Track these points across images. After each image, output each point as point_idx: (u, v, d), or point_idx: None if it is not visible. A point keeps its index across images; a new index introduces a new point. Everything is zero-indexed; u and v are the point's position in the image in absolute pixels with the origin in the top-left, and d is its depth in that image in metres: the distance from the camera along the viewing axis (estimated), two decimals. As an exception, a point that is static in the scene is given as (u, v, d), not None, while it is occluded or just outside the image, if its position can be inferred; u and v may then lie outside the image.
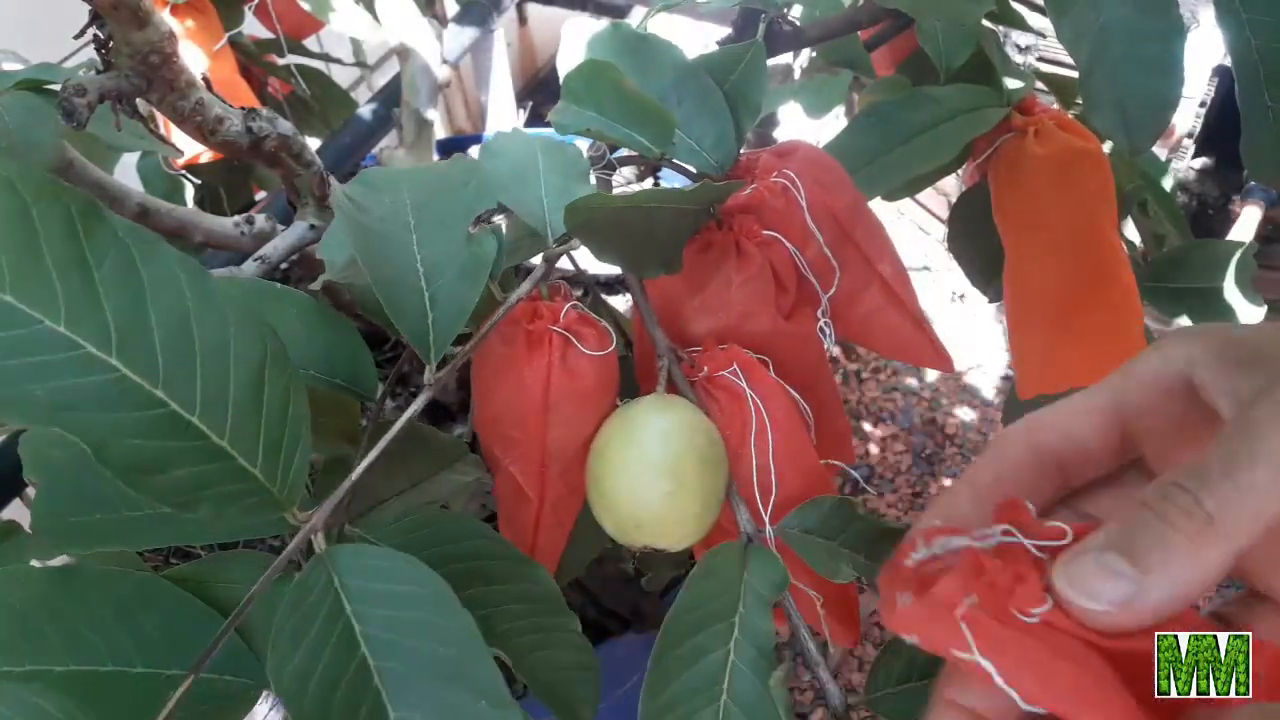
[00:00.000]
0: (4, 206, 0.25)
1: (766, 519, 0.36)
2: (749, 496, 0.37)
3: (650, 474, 0.34)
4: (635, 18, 1.49)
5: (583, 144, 0.44)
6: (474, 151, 1.13)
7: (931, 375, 1.73)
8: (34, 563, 0.37)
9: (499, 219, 0.40)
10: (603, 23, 0.46)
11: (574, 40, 0.43)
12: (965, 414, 1.66)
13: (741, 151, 0.44)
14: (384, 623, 0.27)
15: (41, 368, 0.25)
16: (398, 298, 0.33)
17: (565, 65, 0.45)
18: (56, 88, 0.47)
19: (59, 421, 0.25)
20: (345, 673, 0.26)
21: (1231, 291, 0.60)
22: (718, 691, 0.31)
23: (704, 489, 0.35)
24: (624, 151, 0.46)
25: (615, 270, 0.86)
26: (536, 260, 0.40)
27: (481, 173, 0.39)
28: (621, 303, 0.85)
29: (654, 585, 0.63)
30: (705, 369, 0.38)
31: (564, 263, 0.45)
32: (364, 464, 0.32)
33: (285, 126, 0.47)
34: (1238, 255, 0.60)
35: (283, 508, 0.29)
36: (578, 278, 0.49)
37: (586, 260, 0.45)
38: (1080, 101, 0.47)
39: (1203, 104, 1.33)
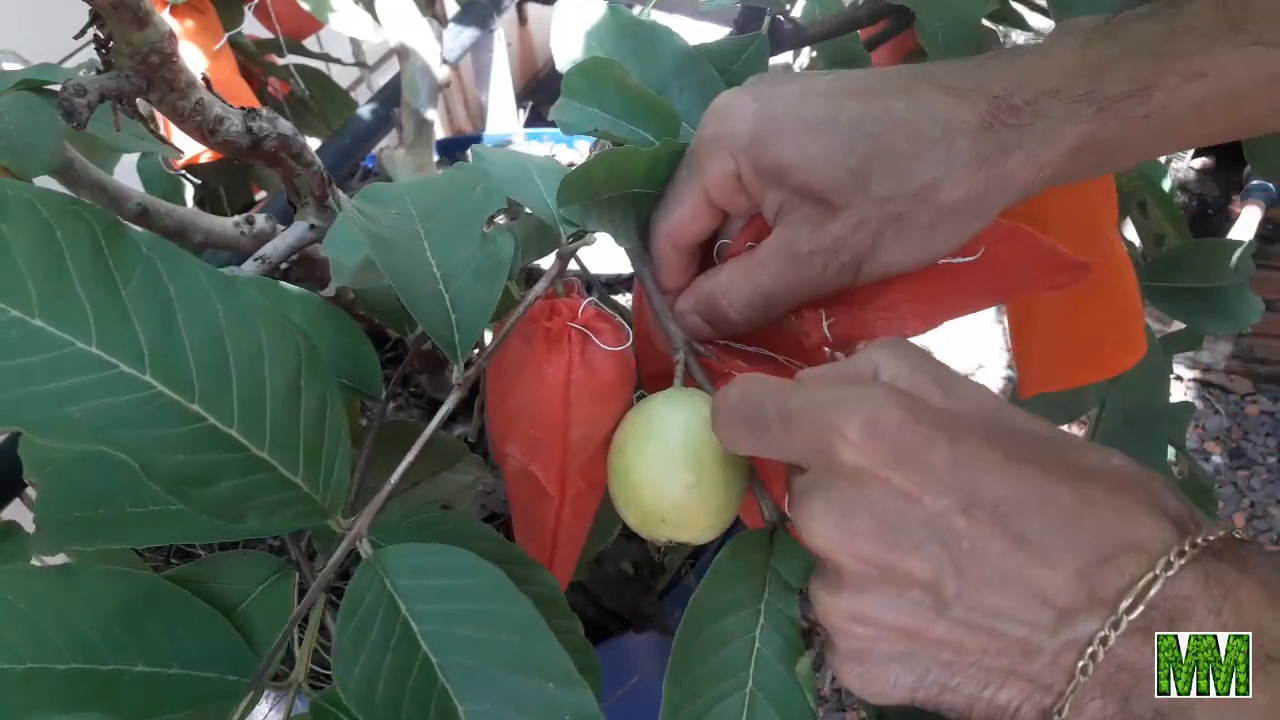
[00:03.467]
0: (28, 230, 0.25)
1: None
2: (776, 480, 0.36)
3: (672, 467, 0.34)
4: (636, 13, 1.49)
5: (584, 143, 0.44)
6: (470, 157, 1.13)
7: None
8: (35, 561, 0.37)
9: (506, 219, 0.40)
10: (600, 6, 0.45)
11: (569, 24, 0.43)
12: (965, 414, 1.66)
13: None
14: (441, 618, 0.27)
15: (77, 389, 0.25)
16: (420, 302, 0.33)
17: (559, 47, 0.44)
18: (56, 88, 0.47)
19: (100, 440, 0.25)
20: (410, 672, 0.26)
21: (1230, 291, 0.60)
22: (744, 679, 0.31)
23: (726, 480, 0.35)
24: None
25: (617, 270, 0.85)
26: (547, 262, 0.40)
27: (486, 176, 0.39)
28: (623, 302, 0.85)
29: (672, 565, 0.63)
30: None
31: (571, 264, 0.45)
32: (402, 467, 0.32)
33: (285, 126, 0.47)
34: (1237, 254, 0.60)
35: (326, 515, 0.30)
36: (586, 278, 0.49)
37: (591, 261, 0.45)
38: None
39: (1203, 104, 1.32)
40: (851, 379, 0.30)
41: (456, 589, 0.28)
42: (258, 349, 0.28)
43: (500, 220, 0.39)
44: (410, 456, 0.32)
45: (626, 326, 0.38)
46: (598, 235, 0.39)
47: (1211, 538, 0.25)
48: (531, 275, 0.42)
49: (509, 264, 0.35)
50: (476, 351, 0.35)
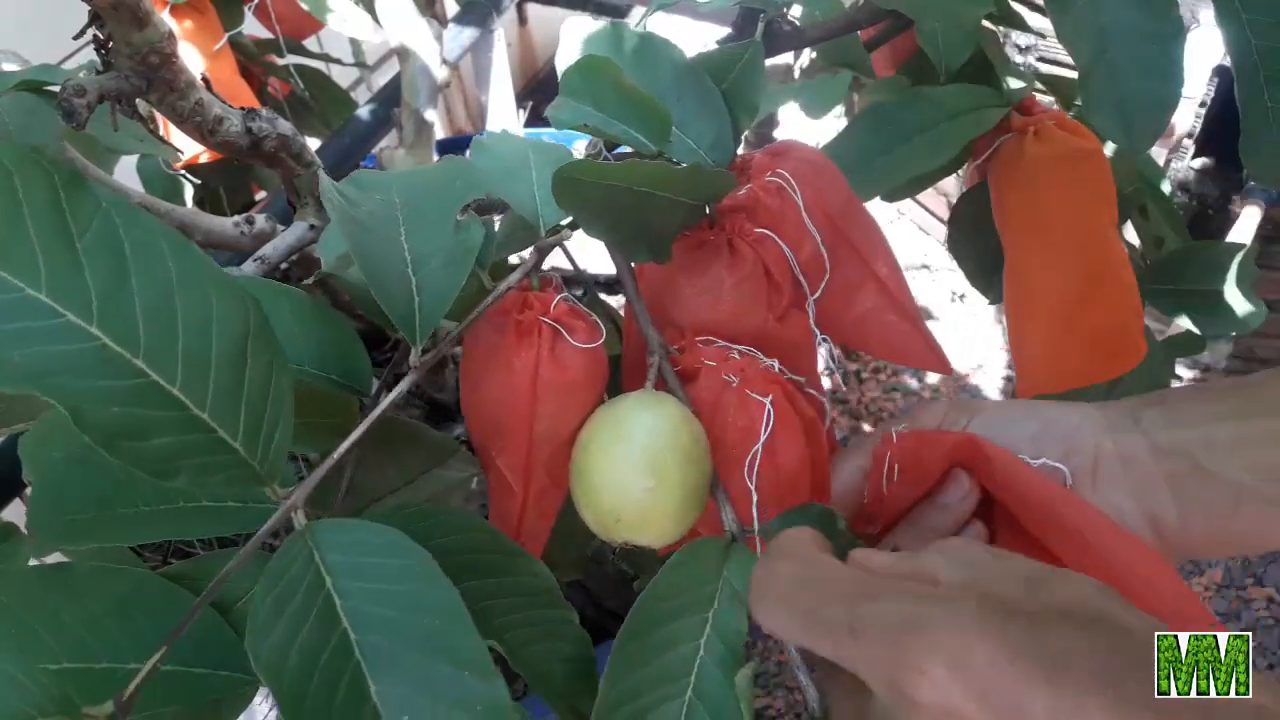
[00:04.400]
0: None
1: (755, 517, 0.36)
2: (739, 493, 0.37)
3: (633, 469, 0.34)
4: (635, 19, 1.49)
5: (580, 141, 0.44)
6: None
7: (932, 376, 1.73)
8: (30, 561, 0.37)
9: (496, 217, 0.40)
10: (602, 22, 0.46)
11: (573, 40, 0.44)
12: (965, 414, 1.66)
13: (738, 151, 0.44)
14: (366, 596, 0.27)
15: (21, 334, 0.25)
16: (386, 284, 0.33)
17: (564, 66, 0.45)
18: (56, 88, 0.47)
19: (37, 386, 0.25)
20: (325, 647, 0.26)
21: (1232, 293, 0.60)
22: (685, 685, 0.31)
23: (686, 486, 0.35)
24: (622, 149, 0.46)
25: (614, 270, 0.85)
26: (528, 253, 0.40)
27: (470, 170, 0.39)
28: (619, 303, 0.85)
29: (644, 587, 0.63)
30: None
31: (564, 262, 0.45)
32: (347, 442, 0.32)
33: (285, 126, 0.47)
34: (1239, 257, 0.60)
35: (263, 483, 0.29)
36: (577, 277, 0.49)
37: (586, 260, 0.45)
38: (1080, 102, 0.47)
39: (1203, 104, 1.32)
40: (927, 582, 0.27)
41: (385, 569, 0.28)
42: (207, 311, 0.28)
43: (494, 216, 0.39)
44: (356, 433, 0.32)
45: (601, 325, 0.38)
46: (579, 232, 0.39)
47: None
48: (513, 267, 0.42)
49: (477, 250, 0.35)
50: (443, 340, 0.35)
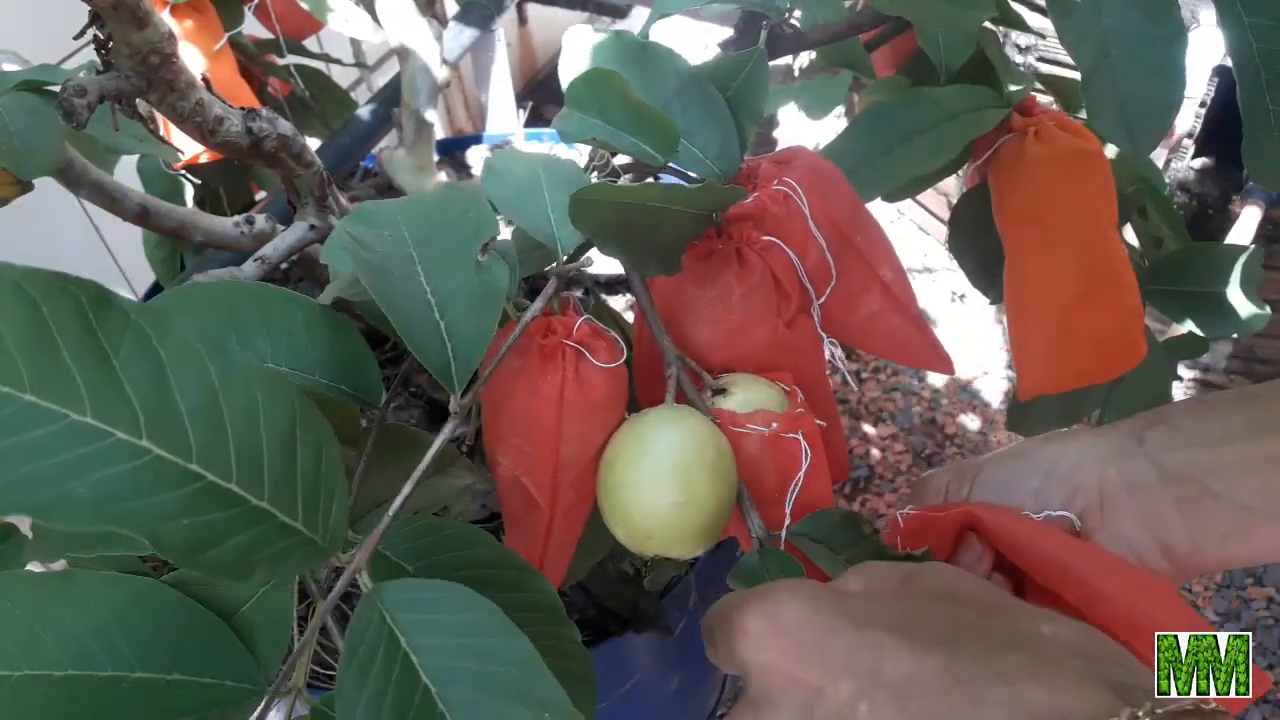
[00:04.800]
0: (14, 308, 0.24)
1: (787, 518, 0.37)
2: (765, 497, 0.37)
3: (660, 485, 0.34)
4: (635, 19, 1.49)
5: (585, 151, 0.44)
6: (473, 154, 1.13)
7: (932, 376, 1.73)
8: (35, 566, 0.37)
9: (505, 234, 0.40)
10: (604, 30, 0.46)
11: (575, 50, 0.44)
12: (965, 415, 1.66)
13: (744, 157, 0.44)
14: (441, 651, 0.27)
15: (76, 463, 0.25)
16: (416, 333, 0.33)
17: (567, 74, 0.45)
18: (56, 88, 0.47)
19: (109, 518, 0.25)
20: (411, 704, 0.26)
21: (1235, 295, 0.60)
22: None
23: (714, 499, 0.35)
24: (623, 159, 0.46)
25: (614, 270, 0.85)
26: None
27: (480, 200, 0.39)
28: (620, 303, 0.85)
29: (655, 585, 0.63)
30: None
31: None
32: (401, 497, 0.33)
33: (285, 126, 0.47)
34: (1243, 259, 0.60)
35: (328, 555, 0.30)
36: (577, 278, 0.49)
37: (586, 260, 0.45)
38: (1082, 104, 0.47)
39: (1203, 104, 1.32)
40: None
41: (455, 624, 0.28)
42: (253, 405, 0.28)
43: (504, 235, 0.39)
44: (411, 483, 0.33)
45: (621, 342, 0.38)
46: (593, 254, 0.39)
47: (1163, 710, 0.23)
48: (531, 287, 0.42)
49: (504, 294, 0.35)
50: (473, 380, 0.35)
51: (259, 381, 0.28)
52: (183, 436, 0.26)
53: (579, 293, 0.82)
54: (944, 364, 0.45)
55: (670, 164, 0.42)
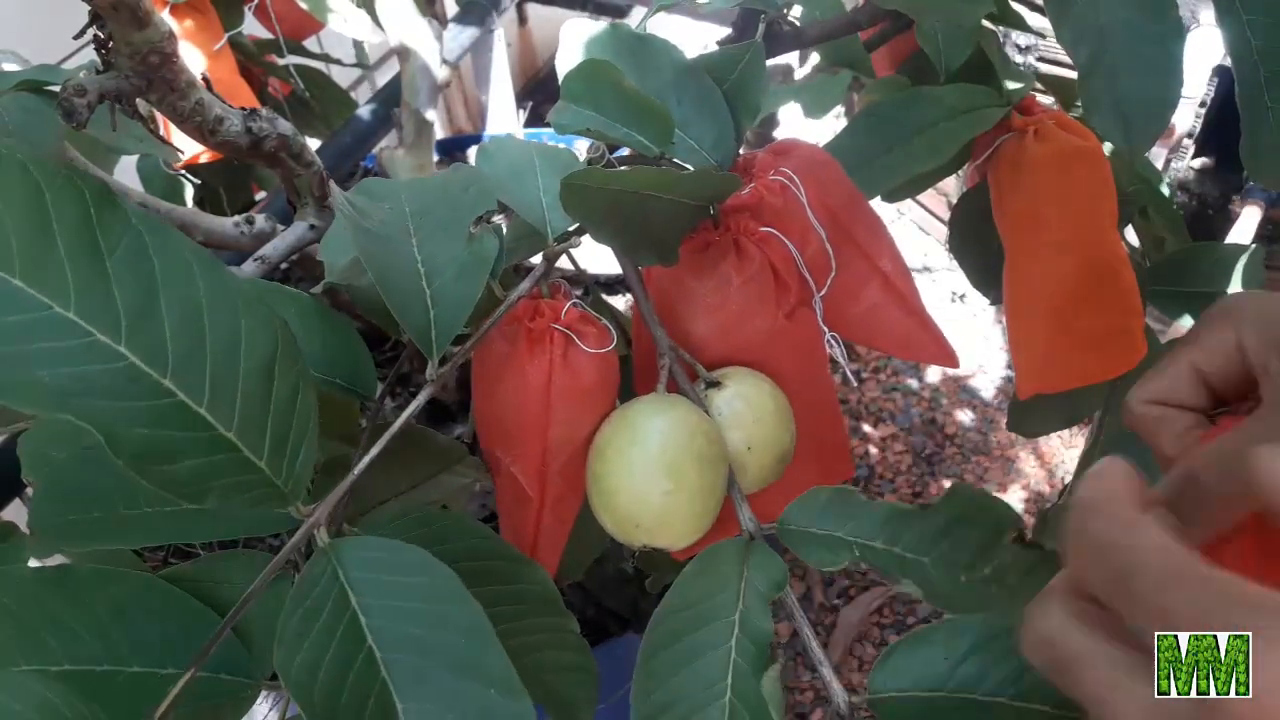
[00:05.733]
0: (18, 190, 0.24)
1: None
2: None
3: (650, 473, 0.34)
4: (635, 18, 1.49)
5: (582, 144, 0.44)
6: (473, 153, 1.13)
7: (932, 376, 1.73)
8: (33, 562, 0.37)
9: (499, 219, 0.40)
10: (602, 24, 0.46)
11: (572, 42, 0.44)
12: (965, 414, 1.66)
13: (740, 151, 0.44)
14: (390, 614, 0.27)
15: (50, 354, 0.24)
16: (401, 297, 0.33)
17: (564, 68, 0.45)
18: (56, 88, 0.47)
19: (66, 408, 0.24)
20: (352, 665, 0.26)
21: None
22: (722, 689, 0.31)
23: (703, 489, 0.35)
24: (623, 151, 0.46)
25: (615, 270, 0.85)
26: (536, 259, 0.40)
27: (482, 179, 0.39)
28: (621, 303, 0.85)
29: (656, 586, 0.63)
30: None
31: (564, 262, 0.45)
32: (364, 461, 0.32)
33: (285, 126, 0.47)
34: (1245, 259, 0.60)
35: (287, 501, 0.29)
36: (578, 277, 0.49)
37: (587, 260, 0.45)
38: (1079, 102, 0.47)
39: (1203, 104, 1.32)
40: None
41: (410, 587, 0.28)
42: (235, 331, 0.28)
43: (498, 219, 0.39)
44: (376, 448, 0.32)
45: (611, 330, 0.38)
46: (585, 239, 0.39)
47: None
48: (521, 272, 0.42)
49: (491, 262, 0.35)
50: (456, 349, 0.35)
51: (245, 308, 0.28)
52: (161, 350, 0.26)
53: (579, 292, 0.82)
54: (948, 358, 0.44)
55: (667, 156, 0.42)
